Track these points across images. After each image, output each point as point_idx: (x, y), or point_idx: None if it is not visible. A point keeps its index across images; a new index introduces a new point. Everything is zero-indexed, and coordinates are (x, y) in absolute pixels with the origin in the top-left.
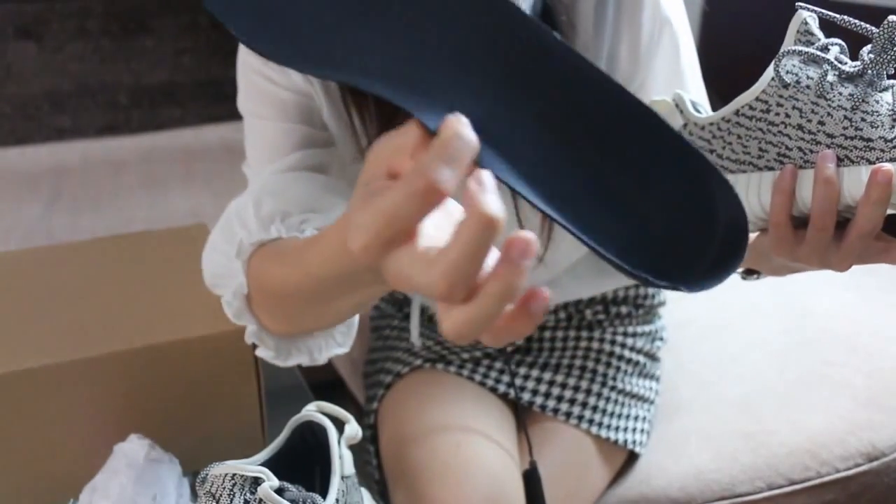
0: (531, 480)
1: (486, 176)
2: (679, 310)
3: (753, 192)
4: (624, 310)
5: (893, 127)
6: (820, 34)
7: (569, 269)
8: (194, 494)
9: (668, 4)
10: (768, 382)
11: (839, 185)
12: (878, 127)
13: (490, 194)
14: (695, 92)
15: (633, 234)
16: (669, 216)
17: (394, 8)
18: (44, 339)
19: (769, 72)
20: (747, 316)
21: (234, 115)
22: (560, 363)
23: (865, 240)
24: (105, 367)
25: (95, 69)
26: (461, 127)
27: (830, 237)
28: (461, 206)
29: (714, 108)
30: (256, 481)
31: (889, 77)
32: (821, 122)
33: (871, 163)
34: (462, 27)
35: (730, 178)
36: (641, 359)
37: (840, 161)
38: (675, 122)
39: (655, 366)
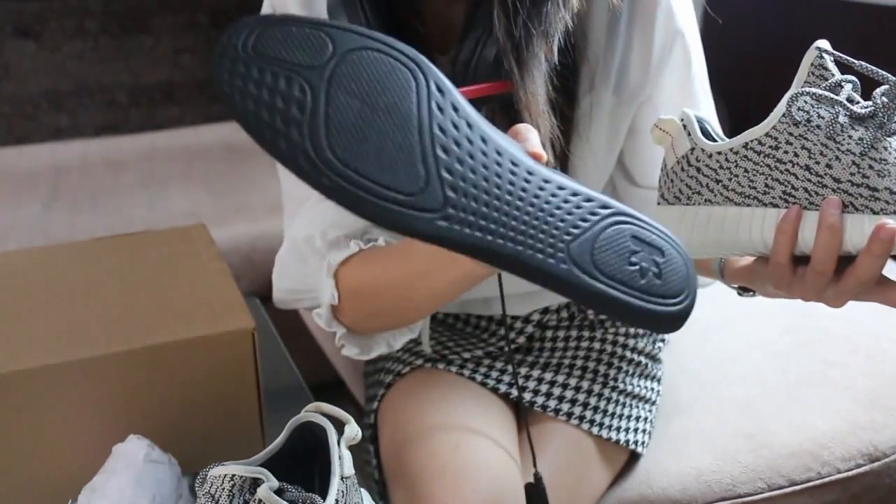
0: (535, 493)
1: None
2: None
3: (757, 228)
4: None
5: None
6: (834, 69)
7: None
8: (193, 495)
9: (682, 17)
10: (769, 383)
11: (842, 232)
12: (884, 177)
13: None
14: (703, 106)
15: None
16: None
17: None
18: (43, 339)
19: (781, 107)
20: (748, 316)
21: None
22: (561, 363)
23: (863, 286)
24: (104, 367)
25: (94, 68)
26: None
27: (829, 279)
28: None
29: (716, 108)
30: (256, 482)
31: None
32: (828, 166)
33: (874, 213)
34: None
35: (733, 210)
36: (642, 359)
37: (845, 207)
38: (683, 144)
39: (656, 366)
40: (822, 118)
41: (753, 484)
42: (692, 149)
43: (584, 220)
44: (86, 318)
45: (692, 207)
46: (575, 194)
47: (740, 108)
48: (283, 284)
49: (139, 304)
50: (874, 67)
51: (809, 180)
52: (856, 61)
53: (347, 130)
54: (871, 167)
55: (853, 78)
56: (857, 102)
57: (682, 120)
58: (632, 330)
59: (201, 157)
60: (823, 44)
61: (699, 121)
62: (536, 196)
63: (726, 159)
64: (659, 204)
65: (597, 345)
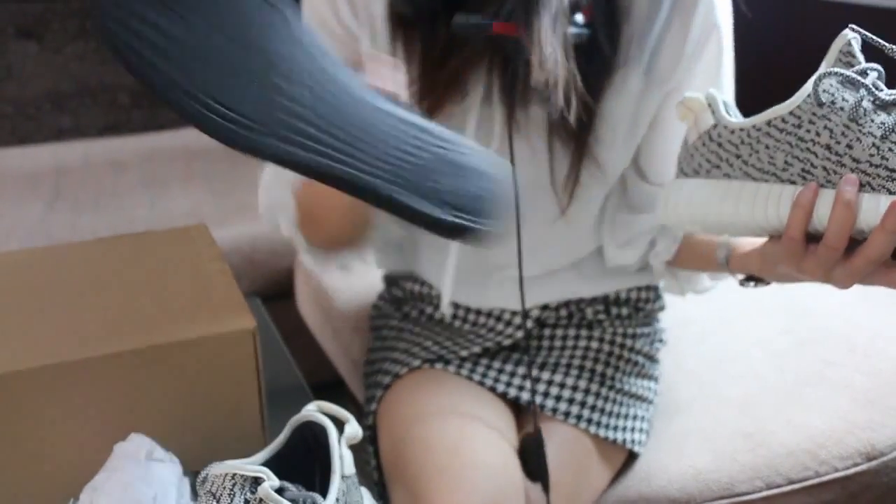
0: (533, 446)
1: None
2: (679, 310)
3: (773, 204)
4: (624, 311)
5: None
6: (861, 57)
7: (572, 264)
8: (195, 494)
9: (720, 11)
10: (768, 382)
11: (857, 209)
12: None
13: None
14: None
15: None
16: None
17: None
18: (44, 339)
19: (807, 88)
20: (747, 316)
21: None
22: (559, 362)
23: (872, 265)
24: (105, 367)
25: (96, 69)
26: None
27: (840, 256)
28: None
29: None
30: (257, 481)
31: None
32: (849, 146)
33: (891, 193)
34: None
35: (751, 184)
36: (641, 359)
37: (861, 186)
38: (706, 121)
39: (654, 367)
40: (847, 101)
41: (752, 483)
42: (715, 125)
43: (417, 147)
44: (87, 317)
45: (711, 181)
46: (405, 122)
47: (741, 110)
48: (264, 201)
49: (140, 304)
50: None
51: (829, 159)
52: (886, 44)
53: (211, 62)
54: (890, 150)
55: (878, 66)
56: (882, 90)
57: (707, 98)
58: (630, 330)
59: (202, 158)
60: (854, 29)
61: (724, 103)
62: (372, 124)
63: (748, 135)
64: (677, 177)
65: (595, 344)
